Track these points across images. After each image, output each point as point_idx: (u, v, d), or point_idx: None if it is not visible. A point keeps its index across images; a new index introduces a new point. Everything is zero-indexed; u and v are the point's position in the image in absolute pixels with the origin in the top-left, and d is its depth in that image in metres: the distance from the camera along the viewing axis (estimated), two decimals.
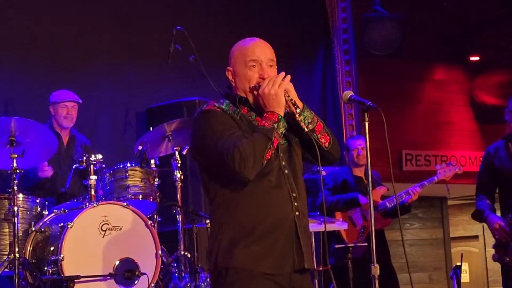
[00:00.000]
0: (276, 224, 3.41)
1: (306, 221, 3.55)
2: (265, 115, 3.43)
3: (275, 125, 3.39)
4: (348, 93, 3.81)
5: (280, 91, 3.42)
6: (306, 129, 3.48)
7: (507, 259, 5.75)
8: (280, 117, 3.42)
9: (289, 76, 3.47)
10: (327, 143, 3.58)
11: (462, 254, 6.94)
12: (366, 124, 3.76)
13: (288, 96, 3.45)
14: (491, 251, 13.58)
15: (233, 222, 3.42)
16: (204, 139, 3.44)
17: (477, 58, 10.95)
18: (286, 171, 3.49)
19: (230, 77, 3.62)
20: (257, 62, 3.53)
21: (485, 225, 6.38)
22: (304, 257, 3.45)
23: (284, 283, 3.43)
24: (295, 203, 3.47)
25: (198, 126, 3.51)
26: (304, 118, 3.50)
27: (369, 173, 3.83)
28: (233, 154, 3.28)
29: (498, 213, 6.06)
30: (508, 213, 5.85)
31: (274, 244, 3.39)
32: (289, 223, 3.44)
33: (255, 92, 3.50)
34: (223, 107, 3.52)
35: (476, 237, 13.68)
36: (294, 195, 3.47)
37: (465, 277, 13.42)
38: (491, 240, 13.36)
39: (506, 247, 5.78)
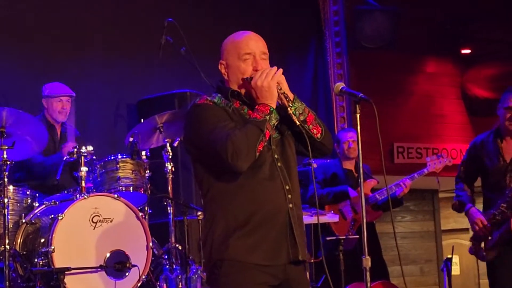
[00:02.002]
0: (269, 216, 3.43)
1: (300, 213, 3.57)
2: (257, 107, 3.45)
3: (267, 117, 3.41)
4: (340, 85, 3.81)
5: (273, 83, 3.44)
6: (298, 122, 3.49)
7: (483, 253, 5.78)
8: (272, 109, 3.44)
9: (281, 69, 3.49)
10: (319, 134, 3.60)
11: (453, 246, 6.94)
12: (358, 116, 3.76)
13: (281, 89, 3.47)
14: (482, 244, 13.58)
15: (227, 214, 3.44)
16: (197, 131, 3.46)
17: (468, 51, 10.95)
18: (279, 164, 3.50)
19: (222, 71, 3.63)
20: (251, 55, 3.55)
21: None
22: (298, 248, 3.47)
23: (279, 275, 3.45)
24: (289, 195, 3.48)
25: (191, 119, 3.53)
26: (295, 109, 3.51)
27: (360, 165, 3.83)
28: (226, 145, 3.30)
29: (478, 206, 6.09)
30: (491, 208, 5.87)
31: (267, 235, 3.42)
32: (282, 215, 3.45)
33: (248, 85, 3.51)
34: (216, 100, 3.54)
35: (466, 229, 13.65)
36: (287, 187, 3.49)
37: (455, 270, 13.45)
38: None
39: (483, 241, 5.81)
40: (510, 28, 10.45)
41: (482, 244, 5.97)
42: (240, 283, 3.40)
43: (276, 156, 3.51)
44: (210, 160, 3.44)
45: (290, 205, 3.48)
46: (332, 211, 6.91)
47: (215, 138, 3.35)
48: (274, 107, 3.46)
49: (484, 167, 5.97)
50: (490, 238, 5.81)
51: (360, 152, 3.82)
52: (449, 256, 6.65)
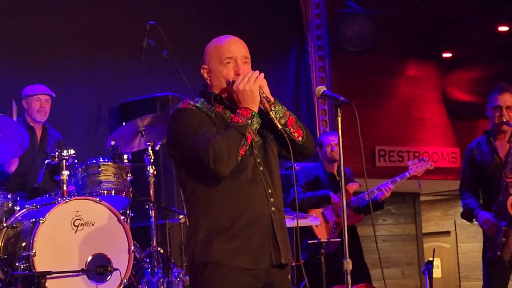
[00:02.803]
0: (252, 219, 3.43)
1: (282, 217, 3.58)
2: (238, 111, 3.46)
3: (249, 121, 3.42)
4: (321, 89, 3.82)
5: (255, 87, 3.45)
6: (279, 126, 3.51)
7: (498, 253, 5.73)
8: (253, 113, 3.45)
9: (263, 74, 3.50)
10: (300, 137, 3.62)
11: (434, 249, 6.96)
12: (339, 119, 3.77)
13: (263, 92, 3.48)
14: (463, 247, 13.69)
15: (210, 218, 3.44)
16: (180, 136, 3.47)
17: (449, 55, 11.01)
18: (261, 168, 3.52)
19: (205, 75, 3.64)
20: (232, 59, 3.56)
21: (457, 221, 6.43)
22: (281, 252, 3.48)
23: (262, 278, 3.46)
24: (271, 199, 3.49)
25: (173, 124, 3.53)
26: (276, 112, 3.53)
27: (342, 168, 3.84)
28: (207, 150, 3.31)
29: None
30: (493, 206, 5.86)
31: (250, 239, 3.42)
32: (265, 219, 3.46)
33: (230, 89, 3.52)
34: (198, 105, 3.55)
35: (448, 232, 13.78)
36: (270, 191, 3.50)
37: (437, 272, 13.51)
38: (462, 236, 13.48)
39: (495, 240, 5.76)
40: (491, 32, 10.51)
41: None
42: (224, 287, 3.40)
43: (258, 160, 3.52)
44: (192, 165, 3.45)
45: (273, 209, 3.49)
46: (314, 214, 6.93)
47: (197, 143, 3.36)
48: (256, 111, 3.47)
49: (482, 168, 5.99)
50: (499, 233, 5.74)
51: (342, 155, 3.83)
52: (430, 259, 6.66)
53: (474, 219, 6.05)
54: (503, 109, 5.86)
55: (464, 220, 6.33)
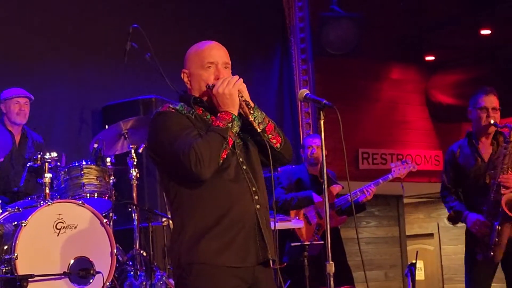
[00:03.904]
0: (237, 217, 3.45)
1: (267, 214, 3.60)
2: (219, 115, 3.48)
3: (230, 125, 3.44)
4: (304, 92, 3.84)
5: (234, 91, 3.48)
6: (259, 129, 3.55)
7: (491, 253, 5.72)
8: (234, 117, 3.47)
9: (242, 79, 3.53)
10: (278, 144, 3.66)
11: (417, 251, 6.99)
12: (322, 122, 3.78)
13: (242, 96, 3.50)
14: (446, 249, 13.73)
15: (195, 218, 3.45)
16: (161, 139, 3.48)
17: (432, 58, 11.05)
18: (244, 167, 3.54)
19: (185, 79, 3.68)
20: (213, 64, 3.59)
21: (441, 223, 6.44)
22: (267, 248, 3.50)
23: (248, 278, 3.47)
24: (255, 197, 3.52)
25: (154, 128, 3.55)
26: (255, 118, 3.57)
27: (324, 171, 3.84)
28: (189, 154, 3.32)
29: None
30: (482, 207, 5.85)
31: (236, 237, 3.44)
32: (250, 216, 3.48)
33: (210, 92, 3.54)
34: (178, 108, 3.57)
35: (431, 235, 13.83)
36: (254, 188, 3.53)
37: (420, 275, 13.55)
38: (446, 238, 13.52)
39: (488, 241, 5.74)
40: (473, 35, 10.56)
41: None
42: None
43: (240, 159, 3.55)
44: (174, 168, 3.46)
45: (258, 206, 3.51)
46: (297, 217, 6.94)
47: (178, 146, 3.37)
48: (236, 114, 3.49)
49: (463, 170, 5.99)
50: (492, 233, 5.73)
51: (324, 158, 3.83)
52: (413, 261, 6.68)
53: (459, 222, 6.05)
54: (489, 110, 5.87)
55: (447, 222, 6.33)
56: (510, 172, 5.71)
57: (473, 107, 5.97)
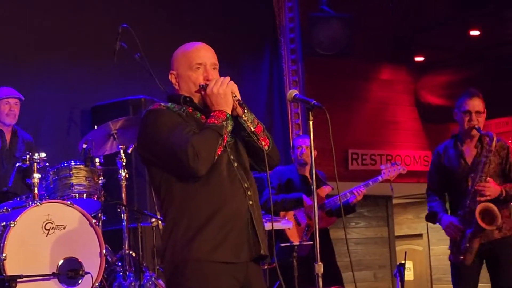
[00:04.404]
0: (231, 214, 3.47)
1: (259, 210, 3.62)
2: (213, 113, 3.50)
3: (224, 123, 3.47)
4: (293, 92, 3.85)
5: (228, 91, 3.51)
6: (252, 128, 3.58)
7: (461, 257, 5.77)
8: (228, 116, 3.51)
9: (232, 80, 3.55)
10: (266, 146, 3.67)
11: (405, 252, 6.99)
12: (311, 123, 3.79)
13: (235, 96, 3.53)
14: (435, 250, 13.74)
15: (188, 215, 3.46)
16: (154, 136, 3.49)
17: (422, 59, 11.08)
18: (235, 164, 3.56)
19: (173, 81, 3.70)
20: (202, 65, 3.62)
21: (430, 224, 6.44)
22: (260, 244, 3.52)
23: (241, 276, 3.49)
24: (248, 193, 3.54)
25: (146, 125, 3.56)
26: (247, 118, 3.59)
27: (313, 171, 3.85)
28: (186, 149, 3.34)
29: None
30: (458, 211, 5.89)
31: (230, 234, 3.45)
32: (244, 213, 3.50)
33: (203, 92, 3.56)
34: (169, 105, 3.59)
35: (420, 235, 13.86)
36: (246, 185, 3.55)
37: (409, 275, 13.58)
38: (434, 239, 13.54)
39: (459, 245, 5.79)
40: (462, 37, 10.58)
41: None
42: (205, 285, 3.41)
43: (232, 157, 3.56)
44: (167, 164, 3.46)
45: (250, 202, 3.53)
46: (287, 218, 6.94)
47: (174, 142, 3.39)
48: (230, 114, 3.51)
49: (448, 172, 6.01)
50: (464, 239, 5.77)
51: (313, 158, 3.84)
52: (402, 261, 6.69)
53: (437, 223, 6.08)
54: (472, 114, 5.89)
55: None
56: (488, 180, 5.74)
57: (458, 110, 5.99)
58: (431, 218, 6.10)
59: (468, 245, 5.72)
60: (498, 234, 5.79)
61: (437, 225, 6.08)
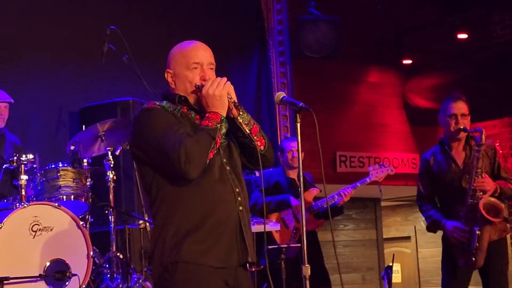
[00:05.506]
0: (221, 218, 3.46)
1: (248, 216, 3.62)
2: (208, 115, 3.48)
3: (218, 126, 3.45)
4: (280, 94, 3.85)
5: (224, 92, 3.49)
6: (247, 131, 3.58)
7: (473, 258, 5.71)
8: (223, 118, 3.49)
9: (229, 81, 3.54)
10: (262, 147, 3.67)
11: (393, 254, 7.01)
12: (298, 125, 3.80)
13: (231, 98, 3.52)
14: (423, 252, 13.77)
15: (178, 217, 3.45)
16: (148, 136, 3.47)
17: (409, 61, 11.10)
18: (228, 167, 3.55)
19: (169, 79, 3.67)
20: (199, 65, 3.60)
21: (417, 226, 6.45)
22: (248, 250, 3.52)
23: (230, 279, 3.48)
24: (239, 198, 3.54)
25: (140, 124, 3.54)
26: (243, 120, 3.58)
27: (301, 173, 3.85)
28: (179, 151, 3.33)
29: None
30: (452, 216, 5.86)
31: (220, 237, 3.45)
32: (233, 218, 3.50)
33: (198, 93, 3.55)
34: (164, 105, 3.57)
35: (408, 238, 13.89)
36: (237, 190, 3.54)
37: (397, 277, 13.61)
38: (422, 241, 13.55)
39: (468, 247, 5.74)
40: (450, 39, 10.61)
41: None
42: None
43: (224, 160, 3.56)
44: (160, 165, 3.45)
45: (240, 208, 3.53)
46: (274, 220, 6.94)
47: (167, 143, 3.37)
48: (225, 116, 3.50)
49: (439, 177, 6.01)
50: (472, 238, 5.72)
51: (300, 160, 3.84)
52: (390, 263, 6.70)
53: (438, 230, 6.05)
54: (458, 117, 5.91)
55: (424, 227, 6.33)
56: (484, 176, 5.74)
57: (443, 114, 6.00)
58: (434, 227, 6.05)
59: (477, 244, 5.67)
60: (494, 235, 5.79)
61: (424, 227, 6.05)
